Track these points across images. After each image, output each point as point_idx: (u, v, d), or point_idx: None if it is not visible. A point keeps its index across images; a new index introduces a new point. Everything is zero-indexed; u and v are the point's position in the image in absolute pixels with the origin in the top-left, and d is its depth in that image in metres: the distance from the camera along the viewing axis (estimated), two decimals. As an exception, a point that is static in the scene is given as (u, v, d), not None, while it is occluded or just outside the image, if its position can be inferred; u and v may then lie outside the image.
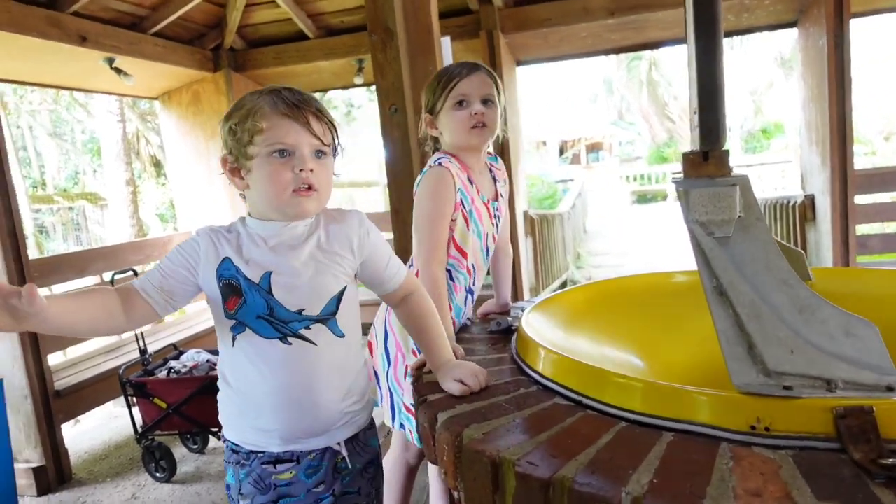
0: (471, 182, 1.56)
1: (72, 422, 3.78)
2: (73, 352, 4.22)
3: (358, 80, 4.85)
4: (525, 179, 5.42)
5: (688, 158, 1.00)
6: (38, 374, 2.98)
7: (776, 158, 16.21)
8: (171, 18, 4.04)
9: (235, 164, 1.12)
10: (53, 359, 3.65)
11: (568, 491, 0.75)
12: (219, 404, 1.20)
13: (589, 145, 25.63)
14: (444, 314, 1.42)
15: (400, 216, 2.31)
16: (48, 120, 12.43)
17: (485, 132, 1.52)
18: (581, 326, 1.38)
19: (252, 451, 1.14)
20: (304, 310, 1.10)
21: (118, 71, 3.94)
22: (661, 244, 9.73)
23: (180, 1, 3.96)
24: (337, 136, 1.16)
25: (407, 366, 1.53)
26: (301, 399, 1.11)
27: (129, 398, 2.91)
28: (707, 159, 0.98)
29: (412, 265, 1.60)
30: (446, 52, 2.39)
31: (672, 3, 4.00)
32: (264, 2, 4.39)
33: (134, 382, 2.86)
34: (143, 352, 3.06)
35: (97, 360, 3.61)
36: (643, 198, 18.11)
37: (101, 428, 3.75)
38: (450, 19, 4.23)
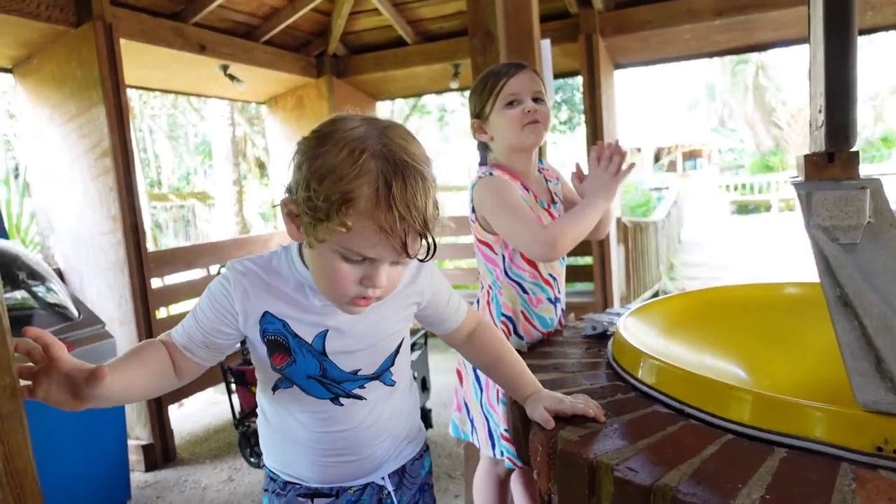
0: (526, 189, 1.51)
1: (176, 405, 4.04)
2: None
3: (453, 85, 4.90)
4: (620, 186, 5.28)
5: (810, 160, 0.94)
6: (151, 358, 3.20)
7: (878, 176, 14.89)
8: (280, 27, 4.25)
9: (296, 218, 0.87)
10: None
11: (671, 500, 0.72)
12: (259, 429, 1.10)
13: (686, 153, 24.62)
14: (585, 213, 1.40)
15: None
16: (166, 124, 13.43)
17: (539, 129, 1.48)
18: (680, 334, 1.33)
19: (289, 482, 1.05)
20: (360, 370, 0.99)
21: (231, 77, 4.19)
22: (764, 257, 9.19)
23: (290, 11, 4.16)
24: (432, 242, 0.87)
25: (499, 389, 1.49)
26: (344, 451, 1.02)
27: (230, 385, 3.08)
28: (832, 161, 0.92)
29: (483, 290, 1.57)
30: (546, 55, 2.37)
31: (784, 2, 3.78)
32: (367, 10, 4.53)
33: (234, 370, 3.02)
34: (243, 342, 3.22)
35: (202, 348, 3.84)
36: (744, 208, 17.17)
37: (202, 412, 3.99)
38: (548, 23, 4.19)
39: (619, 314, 1.58)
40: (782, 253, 9.46)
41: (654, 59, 4.99)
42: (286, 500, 1.05)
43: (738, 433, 0.85)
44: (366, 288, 0.86)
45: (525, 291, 1.52)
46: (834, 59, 0.93)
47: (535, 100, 1.49)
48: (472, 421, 1.57)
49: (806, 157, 0.94)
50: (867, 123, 19.70)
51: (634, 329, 1.24)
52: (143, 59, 3.63)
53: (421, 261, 0.89)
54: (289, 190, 0.88)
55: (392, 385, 1.04)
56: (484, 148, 1.62)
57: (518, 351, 1.43)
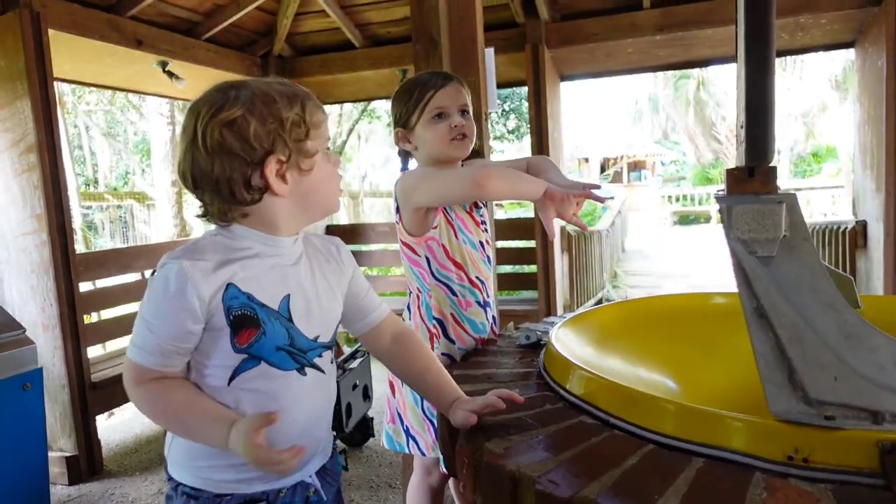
0: None
1: (105, 414, 3.86)
2: (112, 345, 4.32)
3: (401, 90, 4.88)
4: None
5: (732, 174, 0.96)
6: (77, 365, 3.06)
7: (827, 183, 15.71)
8: (223, 25, 4.14)
9: (284, 167, 0.94)
10: (92, 351, 3.75)
11: (589, 513, 0.72)
12: (173, 442, 1.02)
13: (631, 164, 25.30)
14: (520, 180, 1.39)
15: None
16: (103, 121, 12.91)
17: (466, 143, 1.49)
18: (613, 345, 1.34)
19: (219, 495, 0.97)
20: (319, 336, 1.02)
21: (170, 74, 4.05)
22: (704, 267, 9.51)
23: (233, 8, 4.06)
24: None
25: None
26: (304, 432, 1.00)
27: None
28: (752, 175, 0.94)
29: (412, 295, 1.57)
30: (489, 63, 2.38)
31: (723, 20, 3.93)
32: (314, 11, 4.47)
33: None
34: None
35: (134, 355, 3.69)
36: (685, 219, 17.76)
37: (133, 421, 3.83)
38: (494, 31, 4.22)
39: (554, 323, 1.59)
40: (720, 263, 9.82)
41: (598, 71, 5.10)
42: None
43: (659, 444, 0.86)
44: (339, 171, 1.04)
45: (454, 294, 1.52)
46: (753, 76, 0.96)
47: (463, 112, 1.50)
48: (406, 431, 1.55)
49: (728, 171, 0.96)
50: (799, 139, 20.70)
51: (567, 339, 1.24)
52: (75, 52, 3.47)
53: None
54: (262, 152, 0.92)
55: (332, 364, 1.06)
56: (405, 155, 1.62)
57: (451, 358, 1.42)
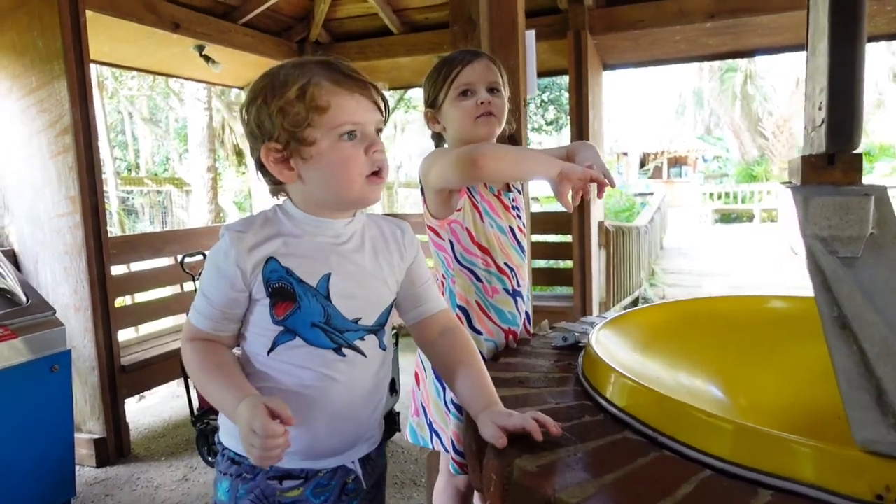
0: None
1: (137, 397, 3.88)
2: (145, 329, 4.35)
3: (438, 78, 4.77)
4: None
5: (808, 162, 0.84)
6: (107, 348, 3.06)
7: (881, 183, 15.04)
8: (261, 9, 4.10)
9: (282, 154, 0.94)
10: (124, 334, 3.77)
11: (636, 551, 0.62)
12: None
13: (671, 159, 24.72)
14: (525, 159, 1.28)
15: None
16: (146, 106, 13.13)
17: (492, 121, 1.40)
18: (657, 349, 1.23)
19: None
20: (360, 319, 0.99)
21: (207, 59, 4.03)
22: (746, 267, 9.19)
23: (270, -8, 4.02)
24: (387, 112, 1.02)
25: None
26: (343, 414, 1.00)
27: (188, 380, 2.93)
28: (833, 163, 0.82)
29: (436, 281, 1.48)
30: (530, 46, 2.26)
31: (777, 6, 3.71)
32: (351, -4, 4.40)
33: (194, 364, 2.87)
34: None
35: (165, 339, 3.70)
36: (727, 217, 17.24)
37: (162, 405, 3.84)
38: (537, 18, 4.09)
39: (593, 324, 1.48)
40: (764, 263, 9.48)
41: (643, 60, 4.91)
42: (254, 484, 0.99)
43: (717, 469, 0.75)
44: (374, 157, 0.95)
45: (479, 280, 1.43)
46: (839, 51, 0.83)
47: (491, 90, 1.40)
48: (430, 425, 1.46)
49: (803, 158, 0.84)
50: (850, 137, 19.87)
51: (608, 342, 1.13)
52: (112, 34, 3.46)
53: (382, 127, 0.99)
54: (265, 138, 0.94)
55: (384, 350, 1.04)
56: (438, 139, 1.53)
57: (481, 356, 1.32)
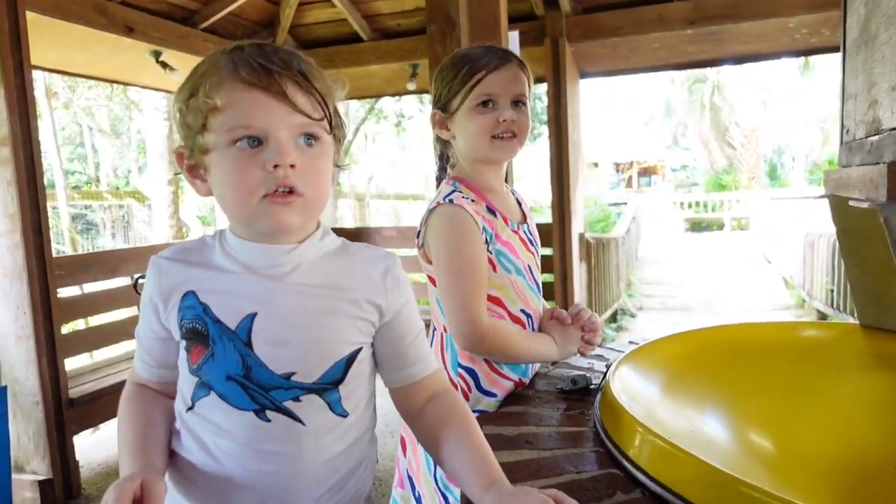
0: (493, 213, 1.20)
1: (89, 430, 3.58)
2: (100, 355, 4.05)
3: (411, 87, 4.61)
4: (583, 201, 5.07)
5: (894, 170, 0.67)
6: (53, 380, 2.78)
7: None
8: (222, 13, 3.88)
9: (192, 161, 0.78)
10: (76, 362, 3.49)
11: None
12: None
13: (641, 169, 25.00)
14: (529, 343, 1.17)
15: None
16: (106, 117, 12.69)
17: (513, 144, 1.19)
18: (684, 390, 1.05)
19: None
20: (294, 374, 0.77)
21: (164, 65, 3.79)
22: (718, 276, 9.19)
23: (233, -4, 3.81)
24: (331, 110, 0.78)
25: None
26: (269, 500, 0.78)
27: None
28: (929, 174, 0.65)
29: (435, 332, 1.26)
30: (514, 47, 2.09)
31: (759, 13, 3.64)
32: (319, 1, 4.21)
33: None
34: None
35: (119, 367, 3.42)
36: (697, 225, 17.41)
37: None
38: (512, 24, 3.93)
39: (600, 356, 1.30)
40: (735, 272, 9.49)
41: (621, 68, 4.82)
42: None
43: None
44: (274, 171, 0.72)
45: None
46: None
47: (516, 103, 1.18)
48: (418, 500, 1.24)
49: (891, 166, 0.67)
50: (815, 146, 20.34)
51: (627, 387, 0.95)
52: (59, 38, 3.22)
53: (336, 138, 0.80)
54: (177, 147, 0.80)
55: (343, 416, 0.80)
56: (444, 146, 1.30)
57: (484, 413, 1.12)
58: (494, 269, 1.18)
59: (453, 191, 1.18)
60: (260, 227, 0.76)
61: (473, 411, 1.12)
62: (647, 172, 25.23)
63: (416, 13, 4.16)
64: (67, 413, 2.85)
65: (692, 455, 0.71)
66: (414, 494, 1.23)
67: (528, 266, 1.24)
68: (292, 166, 0.73)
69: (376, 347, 0.85)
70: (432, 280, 1.21)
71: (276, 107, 0.72)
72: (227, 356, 0.76)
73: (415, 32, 4.25)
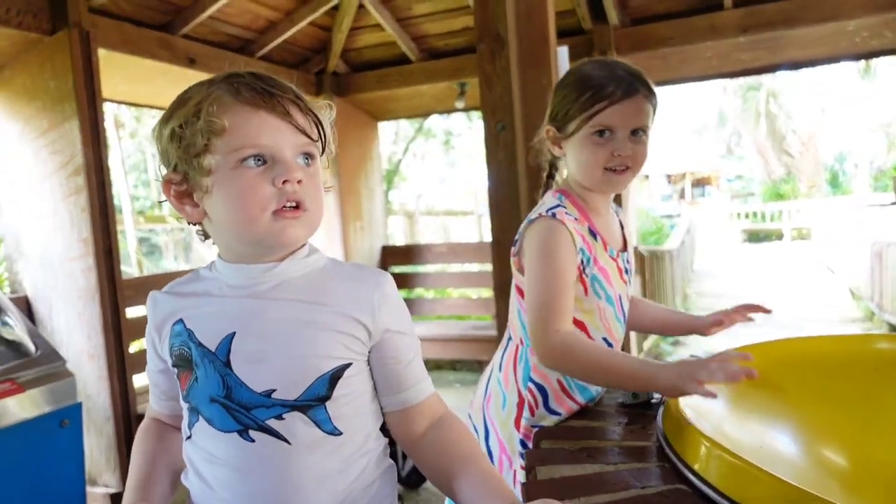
0: (594, 235, 1.17)
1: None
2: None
3: (459, 104, 4.65)
4: (636, 213, 5.00)
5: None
6: (122, 396, 2.91)
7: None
8: (277, 42, 4.03)
9: (184, 186, 0.78)
10: (142, 379, 3.63)
11: None
12: None
13: (695, 180, 24.40)
14: (616, 362, 1.04)
15: (502, 247, 2.03)
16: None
17: (625, 178, 1.15)
18: (748, 402, 1.02)
19: None
20: (274, 391, 0.75)
21: (224, 93, 3.95)
22: (780, 287, 8.86)
23: (286, 25, 3.94)
24: (325, 133, 0.81)
25: (515, 472, 1.14)
26: None
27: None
28: None
29: (511, 343, 1.25)
30: (563, 64, 2.11)
31: (816, 17, 3.53)
32: (369, 25, 4.31)
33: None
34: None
35: (184, 384, 3.54)
36: (755, 236, 16.86)
37: (183, 453, 3.67)
38: (560, 39, 3.95)
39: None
40: (796, 283, 9.13)
41: (672, 78, 4.73)
42: None
43: None
44: (284, 187, 0.75)
45: None
46: None
47: (635, 132, 1.14)
48: None
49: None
50: (879, 151, 19.45)
51: (691, 399, 0.93)
52: (127, 72, 3.40)
53: (321, 153, 0.82)
54: (167, 167, 0.80)
55: (334, 434, 0.77)
56: (553, 158, 1.28)
57: (543, 428, 1.11)
58: (586, 292, 1.16)
59: (558, 205, 1.16)
60: (269, 242, 0.77)
61: (533, 427, 1.12)
62: (700, 183, 24.60)
63: (463, 32, 4.21)
64: (136, 428, 2.96)
65: (765, 471, 0.69)
66: None
67: (619, 296, 1.21)
68: (299, 182, 0.76)
69: (372, 369, 0.83)
70: (520, 291, 1.20)
71: (282, 126, 0.76)
72: (208, 378, 0.76)
73: (463, 51, 4.30)
